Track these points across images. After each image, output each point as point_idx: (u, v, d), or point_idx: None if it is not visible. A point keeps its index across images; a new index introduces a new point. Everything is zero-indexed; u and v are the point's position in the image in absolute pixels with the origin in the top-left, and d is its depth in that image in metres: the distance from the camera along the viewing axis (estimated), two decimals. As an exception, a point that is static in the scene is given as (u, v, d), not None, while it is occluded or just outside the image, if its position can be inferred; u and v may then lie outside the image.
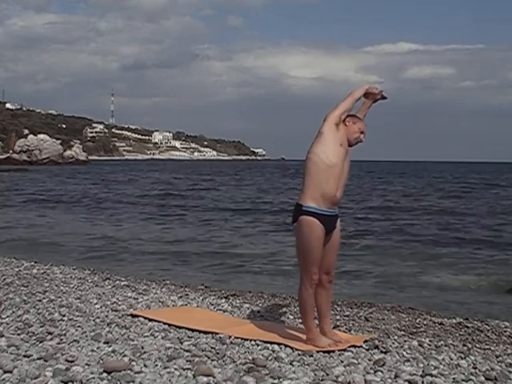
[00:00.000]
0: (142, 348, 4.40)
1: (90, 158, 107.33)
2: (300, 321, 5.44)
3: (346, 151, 4.58)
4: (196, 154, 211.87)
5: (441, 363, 4.30)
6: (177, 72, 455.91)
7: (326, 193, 4.47)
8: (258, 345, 4.62)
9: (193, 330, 5.02)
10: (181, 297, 6.84)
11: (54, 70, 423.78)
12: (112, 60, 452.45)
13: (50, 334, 4.76)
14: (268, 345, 4.60)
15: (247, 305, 6.47)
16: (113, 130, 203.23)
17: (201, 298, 6.82)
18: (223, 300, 6.73)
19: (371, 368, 4.12)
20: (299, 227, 4.54)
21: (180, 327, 5.12)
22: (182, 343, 4.61)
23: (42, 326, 4.99)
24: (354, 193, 30.00)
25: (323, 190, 4.46)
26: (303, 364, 4.18)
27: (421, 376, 3.96)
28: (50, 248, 12.27)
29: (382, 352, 4.53)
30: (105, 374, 3.79)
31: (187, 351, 4.38)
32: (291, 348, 4.52)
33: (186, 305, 6.40)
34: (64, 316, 5.44)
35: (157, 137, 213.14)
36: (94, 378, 3.73)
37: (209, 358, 4.24)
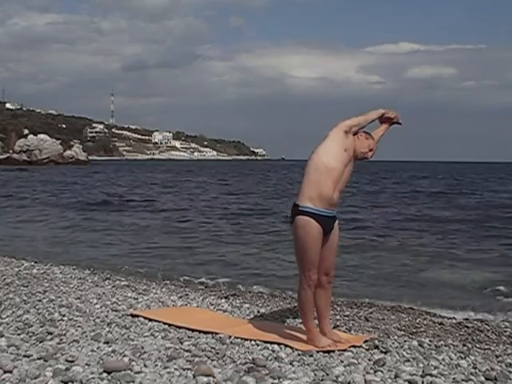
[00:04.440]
0: (142, 348, 4.40)
1: (90, 157, 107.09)
2: (300, 321, 5.44)
3: (350, 157, 4.60)
4: (196, 153, 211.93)
5: (441, 363, 4.30)
6: (178, 72, 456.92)
7: (323, 194, 4.48)
8: (257, 345, 4.62)
9: (193, 330, 5.02)
10: (181, 297, 6.83)
11: (56, 69, 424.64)
12: (114, 60, 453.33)
13: (50, 333, 4.75)
14: (268, 345, 4.60)
15: (247, 305, 6.47)
16: (113, 130, 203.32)
17: (201, 297, 6.82)
18: (223, 300, 6.73)
19: (371, 368, 4.12)
20: (295, 227, 4.54)
21: (180, 327, 5.12)
22: (181, 343, 4.61)
23: (41, 326, 4.99)
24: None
25: (320, 191, 4.47)
26: (303, 364, 4.18)
27: (421, 376, 3.96)
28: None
29: (381, 352, 4.54)
30: (105, 374, 3.79)
31: (187, 351, 4.38)
32: (291, 348, 4.52)
33: (186, 305, 6.40)
34: (64, 316, 5.44)
35: (157, 137, 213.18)
36: (93, 378, 3.73)
37: (209, 358, 4.24)
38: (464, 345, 4.99)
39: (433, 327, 5.73)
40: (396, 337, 5.12)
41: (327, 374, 3.95)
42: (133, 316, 5.55)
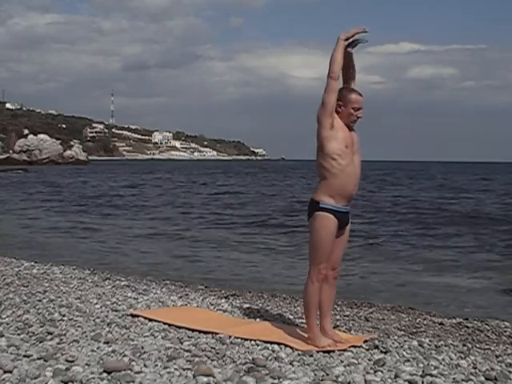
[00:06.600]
0: (142, 348, 4.40)
1: (90, 157, 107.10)
2: (300, 321, 5.44)
3: (353, 143, 4.55)
4: (196, 153, 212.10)
5: (441, 363, 4.30)
6: (178, 72, 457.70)
7: (344, 192, 4.52)
8: (257, 345, 4.62)
9: (193, 330, 5.01)
10: (181, 297, 6.83)
11: (56, 69, 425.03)
12: (114, 60, 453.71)
13: (50, 333, 4.75)
14: (268, 345, 4.60)
15: (247, 305, 6.46)
16: (113, 130, 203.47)
17: (201, 298, 6.82)
18: (223, 300, 6.73)
19: (371, 368, 4.12)
20: (314, 222, 4.57)
21: (180, 327, 5.12)
22: (181, 343, 4.61)
23: (41, 326, 4.99)
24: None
25: (341, 190, 4.51)
26: (303, 364, 4.18)
27: (421, 376, 3.96)
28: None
29: (381, 352, 4.53)
30: (105, 374, 3.79)
31: (187, 351, 4.37)
32: (291, 348, 4.51)
33: (186, 305, 6.39)
34: (64, 316, 5.43)
35: (157, 137, 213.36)
36: (93, 378, 3.73)
37: (209, 358, 4.24)
38: (464, 345, 4.99)
39: (433, 327, 5.73)
40: (396, 337, 5.11)
41: (327, 374, 3.94)
42: (133, 316, 5.55)
